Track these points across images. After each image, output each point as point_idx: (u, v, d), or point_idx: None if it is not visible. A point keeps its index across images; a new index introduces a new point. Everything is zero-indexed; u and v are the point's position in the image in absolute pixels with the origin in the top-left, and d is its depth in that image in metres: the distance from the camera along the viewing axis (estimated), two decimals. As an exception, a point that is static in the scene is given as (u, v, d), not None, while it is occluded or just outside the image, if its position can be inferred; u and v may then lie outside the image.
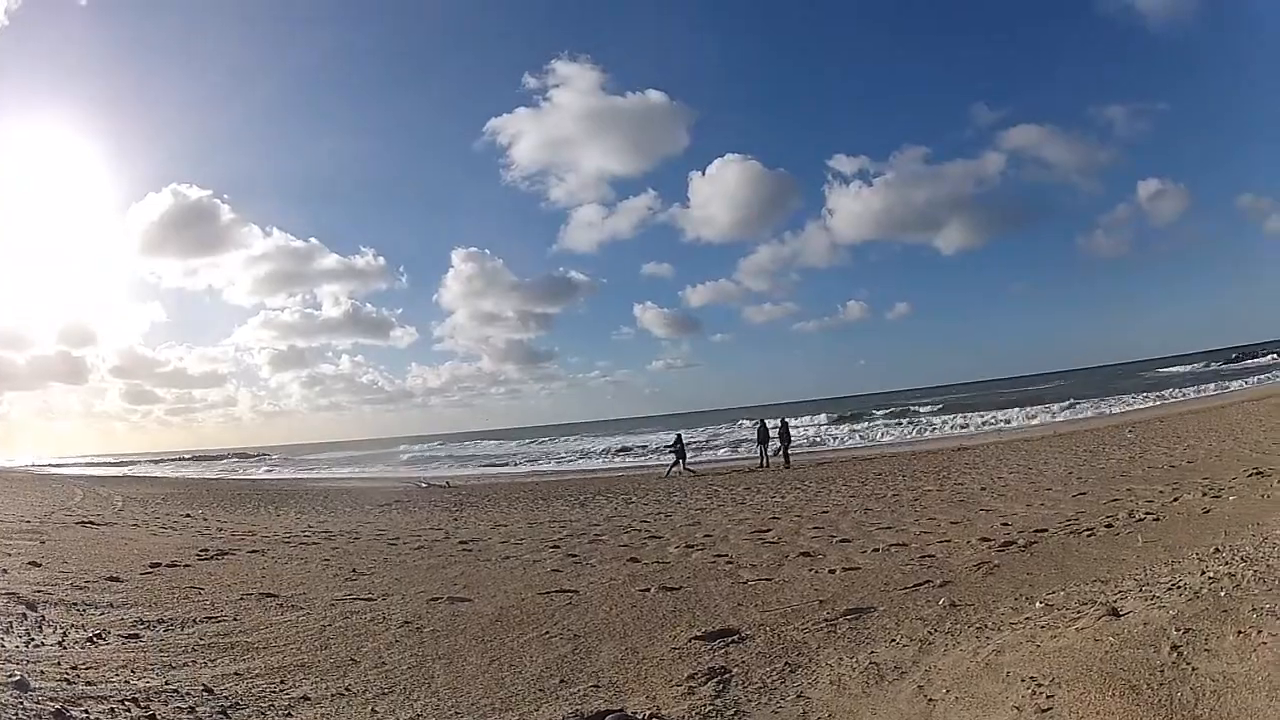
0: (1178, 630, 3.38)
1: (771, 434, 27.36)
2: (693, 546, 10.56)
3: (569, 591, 7.80)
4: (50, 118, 76.69)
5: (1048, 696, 3.29)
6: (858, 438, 38.50)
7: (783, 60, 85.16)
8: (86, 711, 4.03)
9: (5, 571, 7.89)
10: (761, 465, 26.66)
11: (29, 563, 8.62)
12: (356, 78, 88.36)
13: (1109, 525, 8.82)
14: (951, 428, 37.82)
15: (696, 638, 5.72)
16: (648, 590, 7.60)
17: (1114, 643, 3.54)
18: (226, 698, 4.58)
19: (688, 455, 28.78)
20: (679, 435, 29.55)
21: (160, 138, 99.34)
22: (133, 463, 76.92)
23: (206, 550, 11.17)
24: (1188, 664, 3.09)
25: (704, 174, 76.41)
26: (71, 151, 78.95)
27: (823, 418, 50.30)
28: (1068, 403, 39.71)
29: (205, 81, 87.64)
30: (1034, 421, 35.75)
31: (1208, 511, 8.73)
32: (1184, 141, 77.27)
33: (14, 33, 69.84)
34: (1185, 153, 77.11)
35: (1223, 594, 3.83)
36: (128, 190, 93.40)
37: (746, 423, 51.20)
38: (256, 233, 78.28)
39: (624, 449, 46.23)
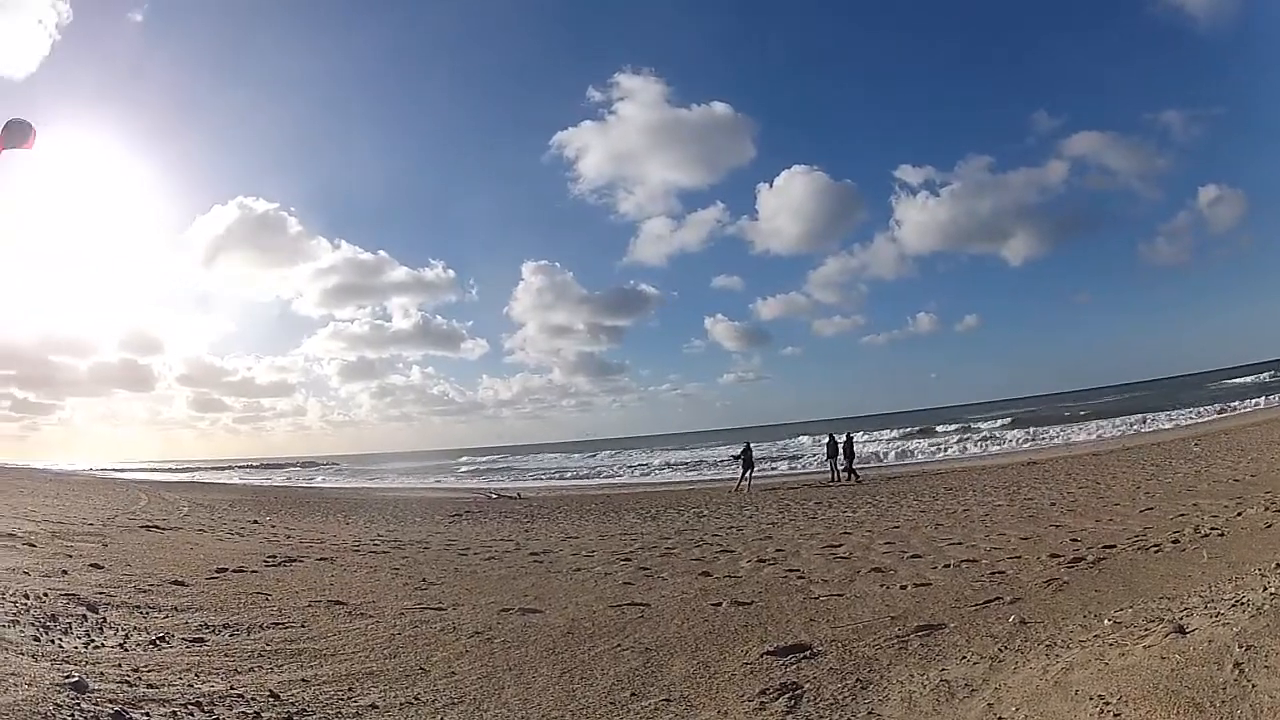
0: (1240, 647, 3.46)
1: (839, 448, 27.41)
2: (765, 561, 10.65)
3: (641, 605, 7.86)
4: (111, 131, 78.81)
5: (1115, 715, 3.36)
6: (928, 452, 38.22)
7: (846, 70, 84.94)
8: (147, 714, 4.04)
9: (66, 573, 7.79)
10: (832, 479, 26.62)
11: (91, 565, 8.55)
12: (422, 92, 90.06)
13: (1175, 541, 8.78)
14: (1021, 442, 37.52)
15: (768, 653, 5.76)
16: (720, 604, 7.66)
17: (1180, 660, 3.61)
18: (293, 704, 4.59)
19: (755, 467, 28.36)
20: (748, 444, 28.74)
21: (226, 152, 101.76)
22: (199, 469, 78.65)
23: (274, 556, 11.25)
24: (1248, 681, 3.18)
25: (771, 186, 76.31)
26: (135, 164, 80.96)
27: (893, 432, 49.90)
28: (1138, 416, 38.99)
29: (269, 96, 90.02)
30: (1102, 435, 35.13)
31: (1269, 526, 8.67)
32: (1241, 146, 74.91)
33: (67, 49, 72.31)
34: (1242, 158, 74.71)
35: (1284, 611, 3.89)
36: (193, 203, 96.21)
37: (805, 439, 51.05)
38: (325, 245, 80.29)
39: (681, 463, 46.38)
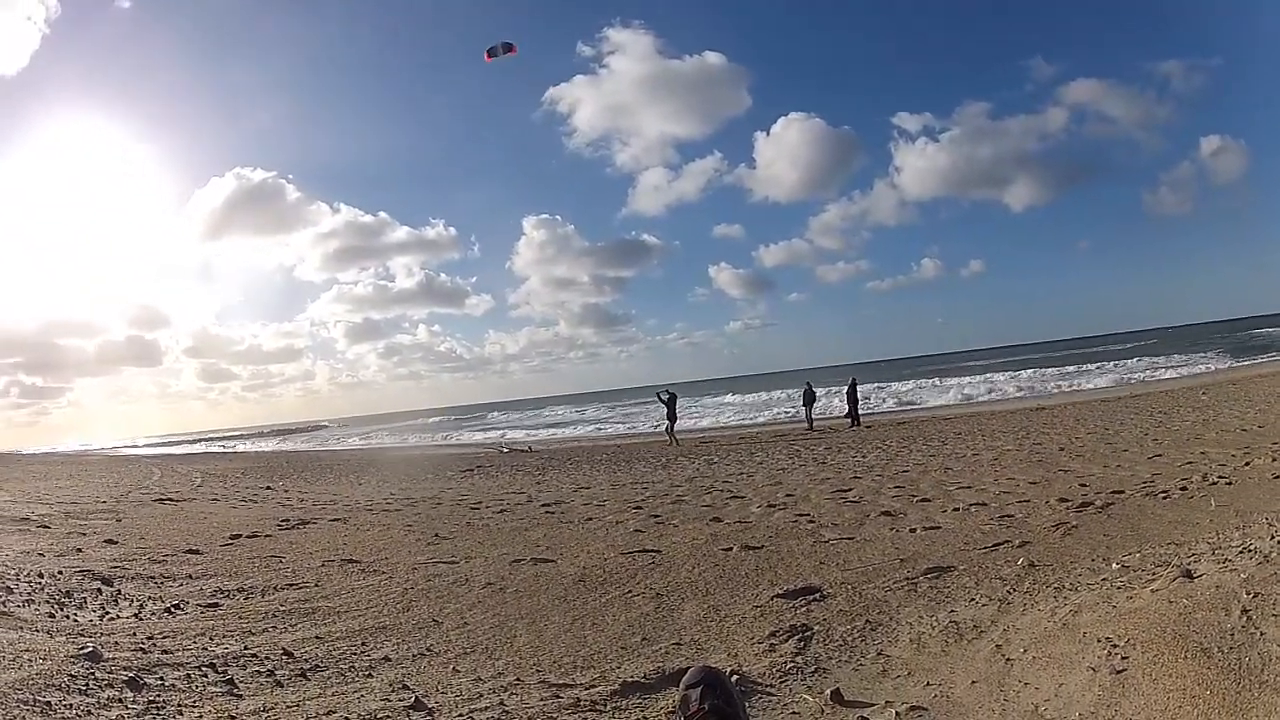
0: (1248, 594, 3.47)
1: (818, 396, 28.33)
2: (775, 506, 10.79)
3: (652, 551, 7.98)
4: (107, 116, 79.25)
5: (1122, 658, 3.39)
6: (937, 397, 38.39)
7: (839, 17, 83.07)
8: (161, 679, 4.06)
9: (80, 551, 7.90)
10: (809, 427, 27.10)
11: (105, 540, 8.70)
12: (412, 54, 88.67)
13: (1183, 488, 8.86)
14: (1030, 387, 37.62)
15: (778, 596, 5.86)
16: (730, 549, 7.79)
17: (1187, 605, 3.62)
18: (306, 660, 4.64)
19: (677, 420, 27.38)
20: (673, 394, 27.50)
21: (221, 126, 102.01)
22: (211, 439, 78.65)
23: (287, 520, 11.43)
24: (1256, 628, 3.19)
25: (768, 134, 75.51)
26: (132, 146, 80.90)
27: (906, 384, 49.96)
28: (1146, 363, 39.16)
29: (261, 68, 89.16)
30: (1110, 382, 35.32)
31: (1278, 476, 8.72)
32: (1241, 98, 73.64)
33: (58, 40, 72.63)
34: (1242, 109, 73.39)
35: (1292, 559, 3.90)
36: (192, 177, 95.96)
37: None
38: (324, 210, 79.82)
39: (690, 412, 46.59)
